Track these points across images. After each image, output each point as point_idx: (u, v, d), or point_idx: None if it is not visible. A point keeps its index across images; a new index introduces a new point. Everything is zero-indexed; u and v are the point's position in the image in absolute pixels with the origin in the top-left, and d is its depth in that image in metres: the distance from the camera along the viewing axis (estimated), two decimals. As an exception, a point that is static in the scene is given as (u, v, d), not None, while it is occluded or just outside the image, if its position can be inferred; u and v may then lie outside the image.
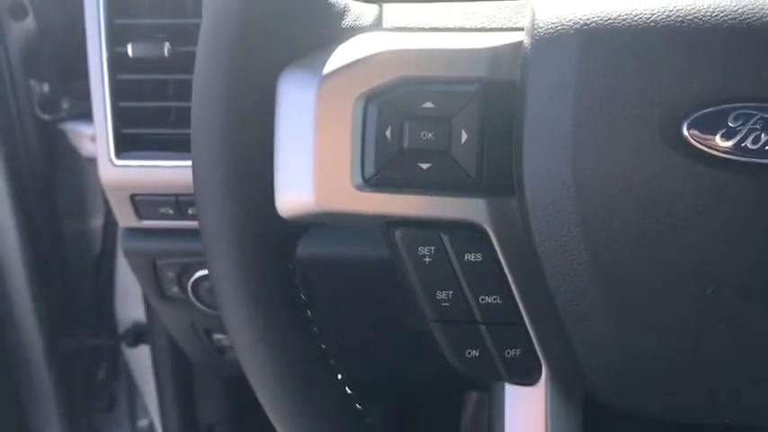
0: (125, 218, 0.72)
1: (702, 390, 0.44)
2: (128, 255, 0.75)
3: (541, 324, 0.43)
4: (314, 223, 0.44)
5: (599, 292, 0.41)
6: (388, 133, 0.41)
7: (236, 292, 0.42)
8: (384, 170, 0.41)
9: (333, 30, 0.42)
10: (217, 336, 0.87)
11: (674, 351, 0.42)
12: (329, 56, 0.41)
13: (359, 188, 0.41)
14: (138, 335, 1.04)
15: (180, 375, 1.03)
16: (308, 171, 0.41)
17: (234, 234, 0.42)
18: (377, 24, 0.43)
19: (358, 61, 0.41)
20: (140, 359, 1.06)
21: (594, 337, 0.42)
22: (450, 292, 0.43)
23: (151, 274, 0.76)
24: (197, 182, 0.42)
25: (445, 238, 0.42)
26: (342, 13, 0.43)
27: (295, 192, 0.41)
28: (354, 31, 0.43)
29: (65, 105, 0.87)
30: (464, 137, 0.41)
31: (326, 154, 0.41)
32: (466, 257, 0.42)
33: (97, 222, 1.01)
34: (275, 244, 0.43)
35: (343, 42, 0.42)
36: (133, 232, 0.74)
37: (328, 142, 0.41)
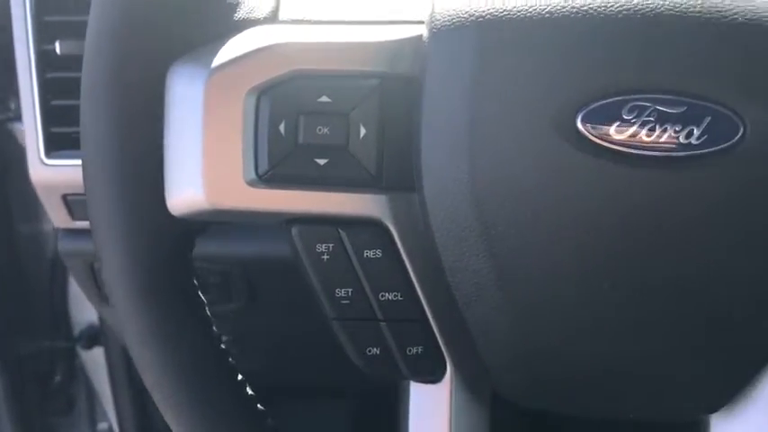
0: (59, 218, 0.71)
1: (603, 385, 0.43)
2: (65, 257, 0.75)
3: (444, 320, 0.43)
4: (211, 221, 0.43)
5: (497, 288, 0.40)
6: (281, 128, 0.40)
7: (127, 293, 0.42)
8: (278, 166, 0.40)
9: (225, 23, 0.42)
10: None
11: (571, 346, 0.41)
12: (219, 49, 0.40)
13: (252, 184, 0.40)
14: (92, 337, 1.03)
15: (135, 378, 1.02)
16: (198, 167, 0.40)
17: (124, 234, 0.41)
18: (272, 17, 0.43)
19: (248, 54, 0.40)
20: (96, 361, 1.05)
21: (494, 333, 0.41)
22: (350, 290, 0.42)
23: (89, 276, 0.75)
24: (86, 181, 0.41)
25: (344, 234, 0.41)
26: (234, 6, 0.42)
27: (185, 189, 0.41)
28: (247, 23, 0.42)
29: (13, 105, 0.86)
30: (362, 132, 0.40)
31: (216, 149, 0.40)
32: (365, 254, 0.41)
33: (50, 224, 1.00)
34: (168, 243, 0.42)
35: (235, 35, 0.41)
36: (70, 233, 0.73)
37: (218, 137, 0.40)
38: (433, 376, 0.44)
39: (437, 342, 0.43)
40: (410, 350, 0.43)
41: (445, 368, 0.43)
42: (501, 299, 0.40)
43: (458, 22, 0.39)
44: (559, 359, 0.42)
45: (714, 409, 0.44)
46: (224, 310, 0.77)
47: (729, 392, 0.43)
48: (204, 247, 0.71)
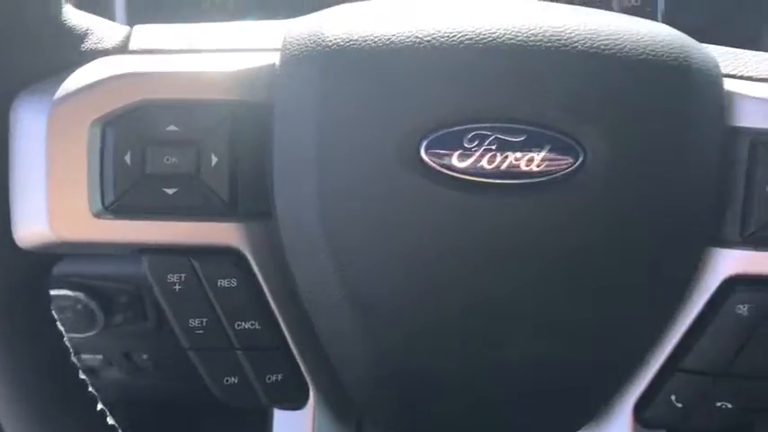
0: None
1: (465, 412, 0.43)
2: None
3: (306, 347, 0.42)
4: (64, 253, 0.42)
5: (350, 312, 0.40)
6: (127, 158, 0.39)
7: None
8: (125, 196, 0.40)
9: (72, 53, 0.41)
10: (85, 356, 0.85)
11: (424, 369, 0.41)
12: (64, 80, 0.40)
13: (98, 215, 0.40)
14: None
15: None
16: (42, 200, 0.39)
17: None
18: (122, 47, 0.42)
19: (92, 85, 0.39)
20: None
21: (351, 356, 0.41)
22: (204, 320, 0.41)
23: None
24: None
25: (196, 264, 0.41)
26: (82, 36, 0.41)
27: (31, 222, 0.40)
28: (95, 54, 0.41)
29: None
30: (214, 160, 0.40)
31: (61, 181, 0.39)
32: (219, 283, 0.41)
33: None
34: (18, 276, 0.42)
35: (82, 66, 0.41)
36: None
37: (62, 169, 0.39)
38: (294, 403, 0.43)
39: (298, 369, 0.43)
40: (269, 378, 0.42)
41: (308, 394, 0.43)
42: (354, 323, 0.40)
43: (306, 50, 0.39)
44: (420, 386, 0.42)
45: (577, 428, 0.44)
46: (139, 330, 0.76)
47: (591, 412, 0.43)
48: (111, 268, 0.71)
